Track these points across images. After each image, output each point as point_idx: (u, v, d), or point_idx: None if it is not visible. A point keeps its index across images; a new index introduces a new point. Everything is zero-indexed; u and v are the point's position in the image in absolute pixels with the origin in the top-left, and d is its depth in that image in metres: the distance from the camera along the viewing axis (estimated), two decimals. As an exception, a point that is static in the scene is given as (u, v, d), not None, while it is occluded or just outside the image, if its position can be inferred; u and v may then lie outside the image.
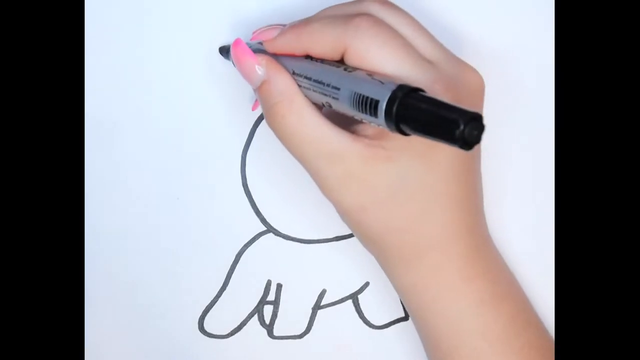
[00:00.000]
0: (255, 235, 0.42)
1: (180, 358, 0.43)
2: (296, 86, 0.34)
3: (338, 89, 0.31)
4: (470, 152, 0.27)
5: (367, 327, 0.43)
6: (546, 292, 0.40)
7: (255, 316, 0.43)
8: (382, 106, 0.29)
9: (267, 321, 0.43)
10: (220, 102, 0.40)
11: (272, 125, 0.34)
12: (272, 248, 0.42)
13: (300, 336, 0.43)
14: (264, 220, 0.42)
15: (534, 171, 0.41)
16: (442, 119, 0.27)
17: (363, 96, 0.30)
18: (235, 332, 0.43)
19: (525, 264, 0.40)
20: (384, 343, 0.43)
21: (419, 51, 0.33)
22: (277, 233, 0.42)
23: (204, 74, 0.40)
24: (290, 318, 0.43)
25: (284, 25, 0.35)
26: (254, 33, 0.36)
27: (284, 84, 0.34)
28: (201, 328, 0.42)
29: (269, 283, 0.42)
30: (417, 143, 0.31)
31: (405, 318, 0.43)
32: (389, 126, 0.29)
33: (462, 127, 0.26)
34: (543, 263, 0.41)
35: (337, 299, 0.43)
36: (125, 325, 0.42)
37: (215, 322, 0.42)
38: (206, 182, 0.41)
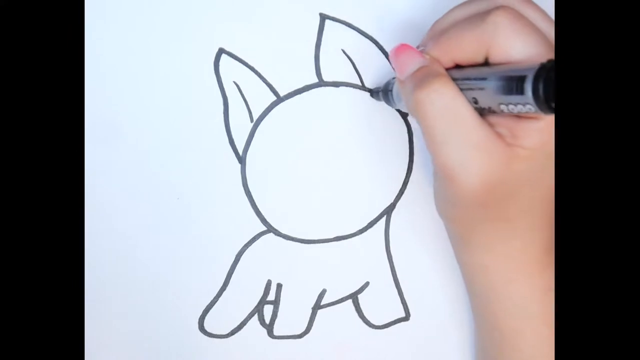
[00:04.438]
0: (255, 235, 0.42)
1: (180, 358, 0.43)
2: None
3: (484, 78, 0.31)
4: None
5: (367, 327, 0.43)
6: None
7: (255, 316, 0.43)
8: (530, 79, 0.28)
9: (267, 321, 0.43)
10: (220, 102, 0.40)
11: (422, 98, 0.33)
12: (272, 248, 0.42)
13: (300, 336, 0.43)
14: (264, 220, 0.42)
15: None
16: None
17: (509, 76, 0.30)
18: (235, 332, 0.43)
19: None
20: (384, 343, 0.43)
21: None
22: (277, 233, 0.42)
23: (204, 73, 0.40)
24: (290, 318, 0.43)
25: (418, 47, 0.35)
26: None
27: (443, 70, 0.34)
28: (201, 328, 0.42)
29: (269, 283, 0.42)
30: (549, 141, 0.31)
31: (405, 318, 0.43)
32: (536, 101, 0.29)
33: None
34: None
35: (337, 299, 0.43)
36: (125, 325, 0.42)
37: (215, 322, 0.42)
38: (206, 182, 0.41)
